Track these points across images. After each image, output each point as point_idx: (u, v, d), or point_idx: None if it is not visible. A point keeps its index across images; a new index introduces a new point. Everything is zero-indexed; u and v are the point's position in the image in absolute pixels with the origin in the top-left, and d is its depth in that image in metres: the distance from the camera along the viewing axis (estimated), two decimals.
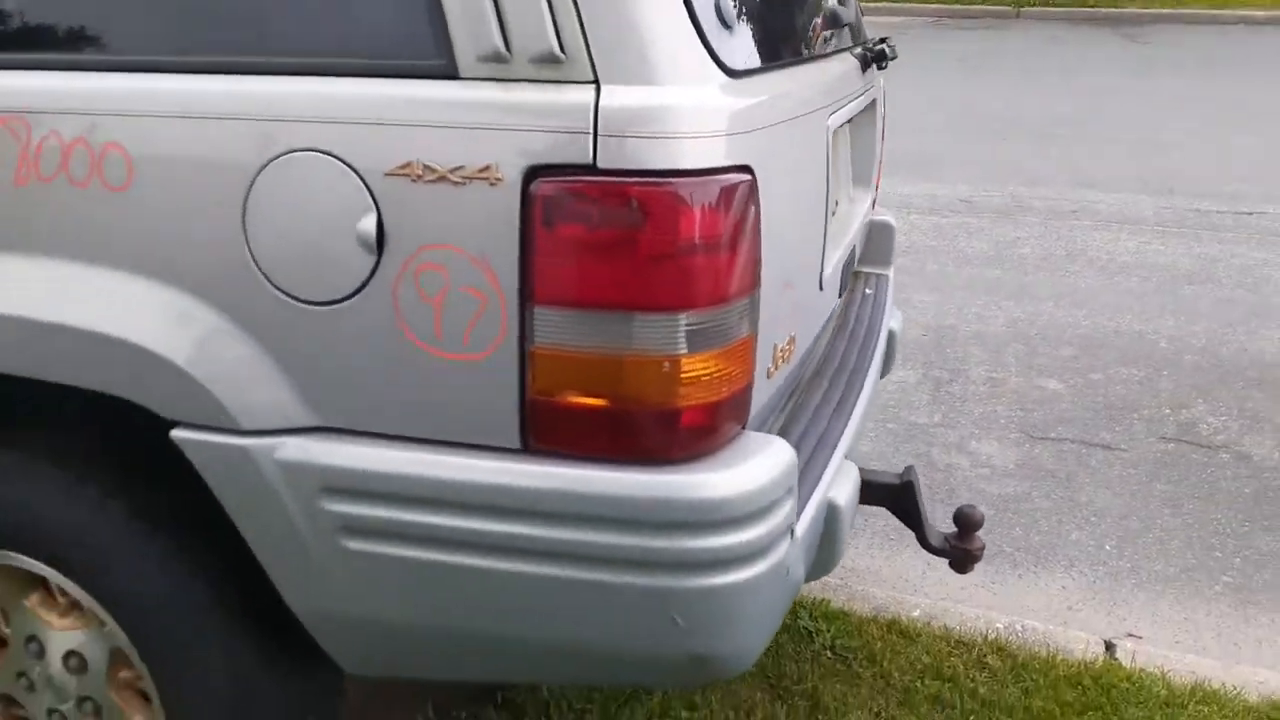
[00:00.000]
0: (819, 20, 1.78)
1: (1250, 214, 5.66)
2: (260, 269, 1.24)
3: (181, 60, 1.27)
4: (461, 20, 1.16)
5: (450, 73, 1.17)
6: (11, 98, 1.32)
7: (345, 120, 1.19)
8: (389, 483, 1.25)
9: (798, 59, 1.59)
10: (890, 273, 2.40)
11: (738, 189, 1.17)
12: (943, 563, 1.82)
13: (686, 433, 1.20)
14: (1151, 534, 2.81)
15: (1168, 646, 2.35)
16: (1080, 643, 2.31)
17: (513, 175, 1.14)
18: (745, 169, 1.19)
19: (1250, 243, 5.21)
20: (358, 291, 1.21)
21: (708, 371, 1.18)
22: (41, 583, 1.55)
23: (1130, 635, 2.39)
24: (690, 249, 1.13)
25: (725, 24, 1.26)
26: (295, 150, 1.20)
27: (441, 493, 1.24)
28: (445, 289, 1.18)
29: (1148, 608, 2.52)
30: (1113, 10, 13.05)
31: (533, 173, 1.13)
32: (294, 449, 1.27)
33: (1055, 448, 3.27)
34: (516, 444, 1.22)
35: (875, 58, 2.09)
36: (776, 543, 1.25)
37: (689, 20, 1.18)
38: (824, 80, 1.65)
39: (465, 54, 1.16)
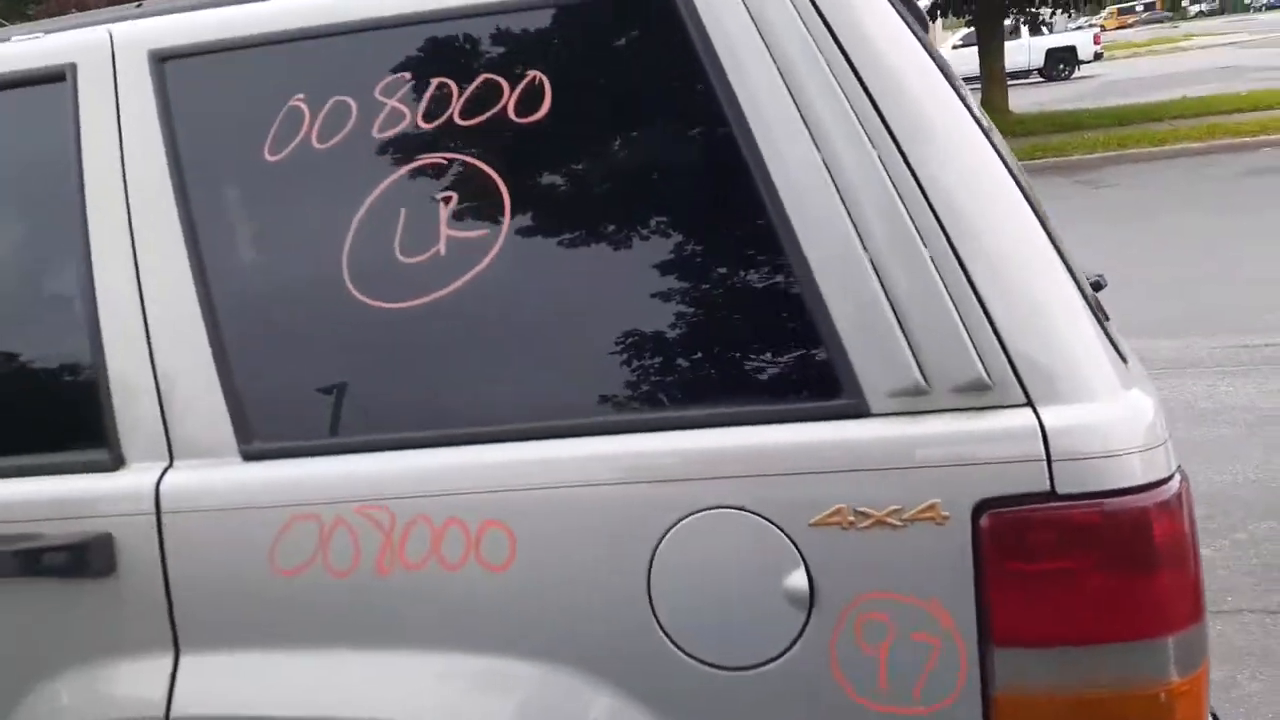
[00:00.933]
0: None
1: None
2: (669, 636, 1.15)
3: (578, 424, 1.21)
4: (867, 357, 1.11)
5: (861, 411, 1.12)
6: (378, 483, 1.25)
7: (758, 473, 1.13)
8: None
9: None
10: None
11: (1184, 491, 1.11)
12: None
13: None
14: None
15: None
16: None
17: (961, 511, 1.07)
18: (1179, 469, 1.13)
19: None
20: (786, 652, 1.12)
21: (1196, 693, 1.09)
22: None
23: None
24: (1174, 562, 1.06)
25: (1106, 331, 1.23)
26: (704, 509, 1.13)
27: None
28: (889, 639, 1.09)
29: None
30: (1062, 159, 13.68)
31: (982, 506, 1.07)
32: None
33: (1236, 621, 3.15)
34: None
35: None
36: None
37: (1095, 330, 1.15)
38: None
39: (875, 390, 1.11)
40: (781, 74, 1.16)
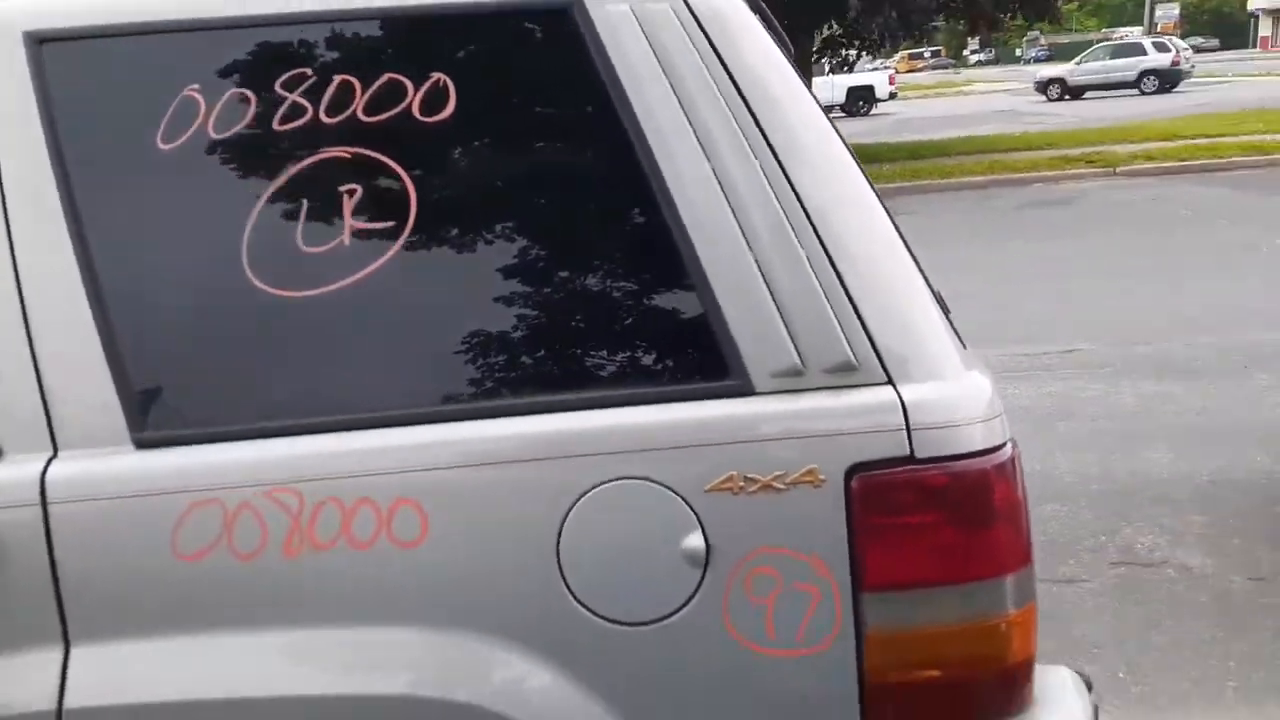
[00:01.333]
0: None
1: (1069, 351, 6.39)
2: (578, 599, 1.24)
3: (491, 406, 1.29)
4: (752, 344, 1.25)
5: (747, 390, 1.26)
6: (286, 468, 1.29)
7: (659, 446, 1.24)
8: None
9: None
10: None
11: (1016, 456, 1.30)
12: None
13: (1019, 686, 1.28)
14: (1150, 656, 3.04)
15: None
16: None
17: (835, 474, 1.22)
18: (1011, 439, 1.32)
19: (1084, 378, 5.86)
20: (683, 606, 1.24)
21: (1027, 623, 1.28)
22: None
23: None
24: (1008, 515, 1.25)
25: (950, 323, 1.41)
26: (611, 481, 1.24)
27: None
28: (777, 589, 1.23)
29: None
30: None
31: (853, 469, 1.22)
32: None
33: None
34: None
35: None
36: None
37: (942, 322, 1.33)
38: None
39: (759, 372, 1.25)
40: (675, 92, 1.29)
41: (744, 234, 1.26)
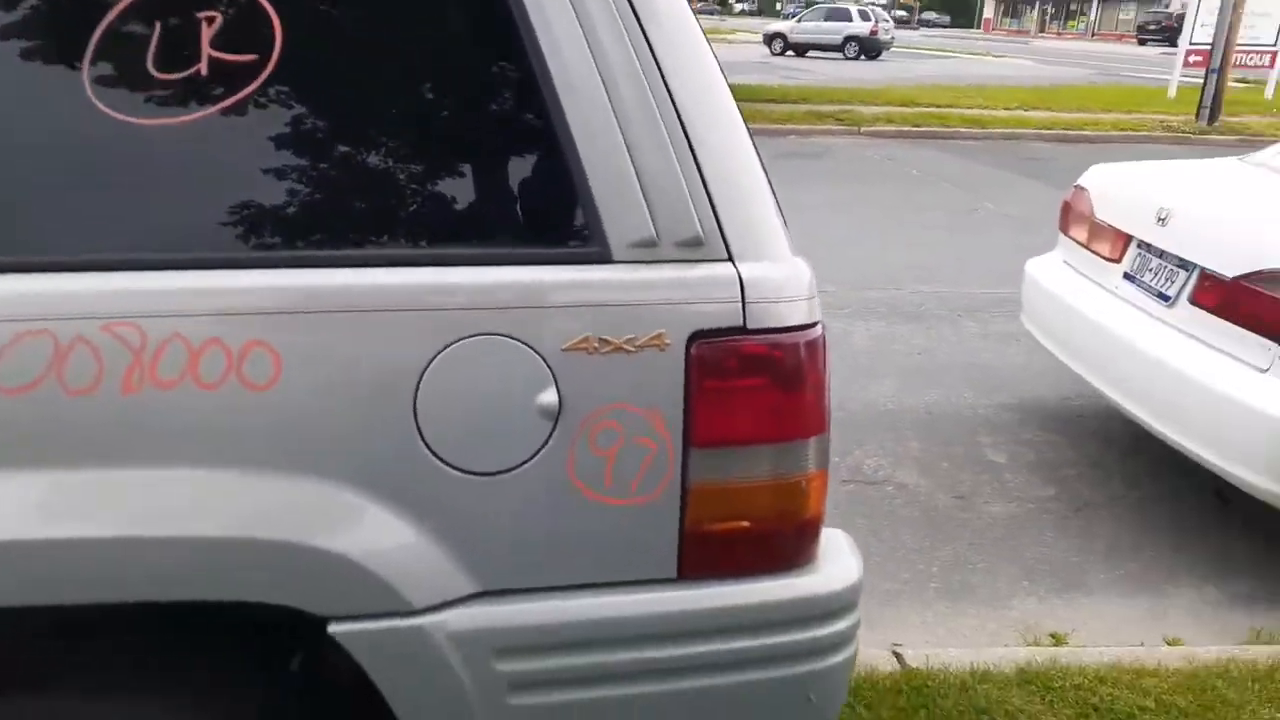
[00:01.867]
0: None
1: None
2: (432, 450, 1.29)
3: (351, 255, 1.29)
4: (613, 215, 1.34)
5: (606, 258, 1.34)
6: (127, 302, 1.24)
7: (521, 305, 1.30)
8: (559, 633, 1.35)
9: None
10: None
11: (824, 335, 1.47)
12: None
13: (811, 539, 1.46)
14: (870, 560, 3.42)
15: (927, 647, 2.94)
16: (877, 659, 2.81)
17: (679, 340, 1.34)
18: (821, 321, 1.49)
19: (826, 317, 6.34)
20: (532, 457, 1.32)
21: (822, 485, 1.46)
22: None
23: (894, 645, 2.94)
24: (815, 386, 1.41)
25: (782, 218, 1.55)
26: (474, 335, 1.29)
27: (608, 631, 1.37)
28: (619, 443, 1.34)
29: (896, 620, 3.11)
30: None
31: (694, 336, 1.34)
32: (465, 619, 1.32)
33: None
34: (673, 574, 1.39)
35: None
36: (858, 622, 1.54)
37: (777, 213, 1.47)
38: None
39: (618, 242, 1.34)
40: None
41: (614, 109, 1.33)
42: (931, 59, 30.23)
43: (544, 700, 1.36)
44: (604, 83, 1.33)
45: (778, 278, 1.38)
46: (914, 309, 6.30)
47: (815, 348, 1.41)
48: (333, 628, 1.29)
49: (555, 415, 1.31)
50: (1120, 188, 4.10)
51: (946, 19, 74.65)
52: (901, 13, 67.13)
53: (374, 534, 1.28)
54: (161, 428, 1.25)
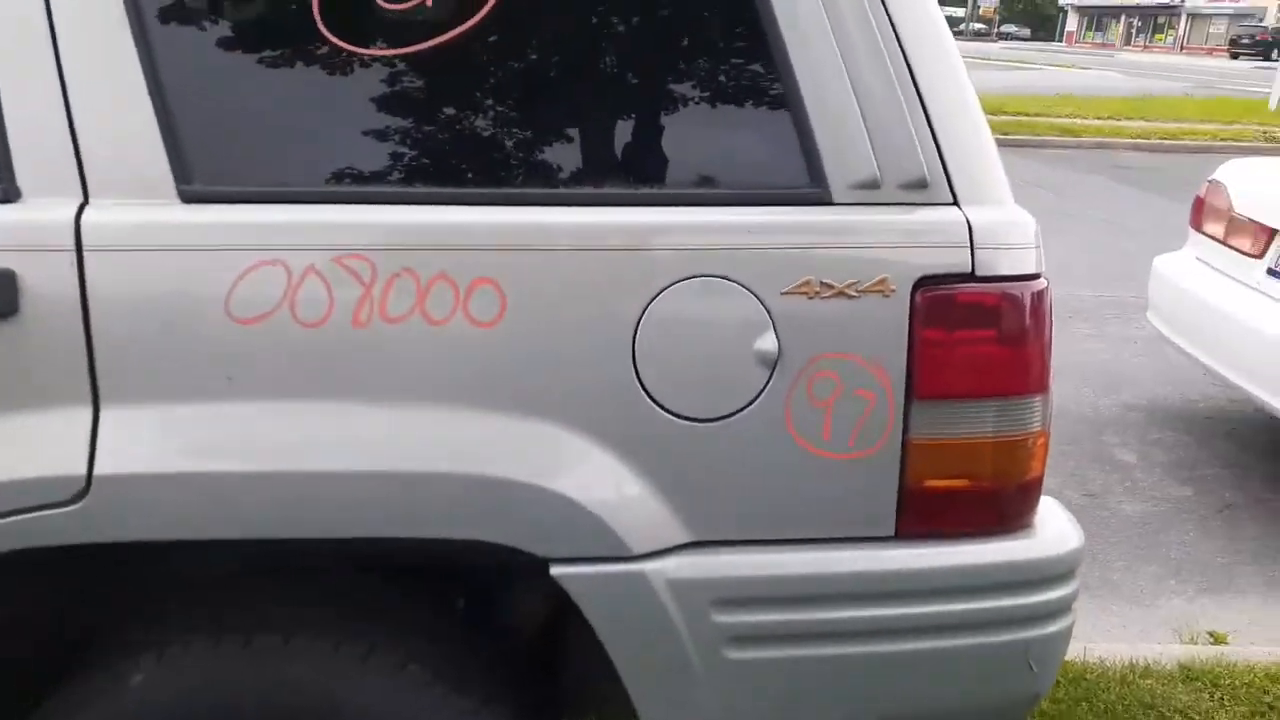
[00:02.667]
0: None
1: None
2: (649, 394, 1.26)
3: (576, 194, 1.27)
4: (836, 156, 1.29)
5: (827, 200, 1.30)
6: (360, 235, 1.24)
7: (740, 247, 1.27)
8: (775, 586, 1.31)
9: None
10: None
11: (1049, 287, 1.40)
12: None
13: (1032, 501, 1.39)
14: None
15: (1075, 641, 2.81)
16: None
17: (903, 286, 1.28)
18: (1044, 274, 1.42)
19: None
20: (749, 405, 1.28)
21: (1044, 445, 1.39)
22: None
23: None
24: (1041, 339, 1.34)
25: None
26: (692, 277, 1.25)
27: (824, 588, 1.32)
28: (837, 394, 1.29)
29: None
30: None
31: (919, 283, 1.29)
32: (684, 567, 1.29)
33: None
34: (891, 532, 1.33)
35: None
36: (1077, 590, 1.46)
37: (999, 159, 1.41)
38: None
39: (838, 184, 1.29)
40: None
41: (839, 47, 1.29)
42: (1015, 70, 29.72)
43: (759, 656, 1.31)
44: (829, 19, 1.29)
45: (1006, 223, 1.33)
46: None
47: (1042, 299, 1.35)
48: (554, 570, 1.26)
49: (773, 362, 1.27)
50: (1262, 183, 3.94)
51: (1026, 32, 73.48)
52: (981, 25, 66.28)
53: (593, 476, 1.26)
54: (390, 363, 1.24)
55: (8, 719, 1.42)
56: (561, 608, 1.36)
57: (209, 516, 1.22)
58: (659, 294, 1.25)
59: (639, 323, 1.25)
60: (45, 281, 1.20)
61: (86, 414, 1.21)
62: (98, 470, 1.20)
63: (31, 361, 1.20)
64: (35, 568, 1.27)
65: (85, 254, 1.20)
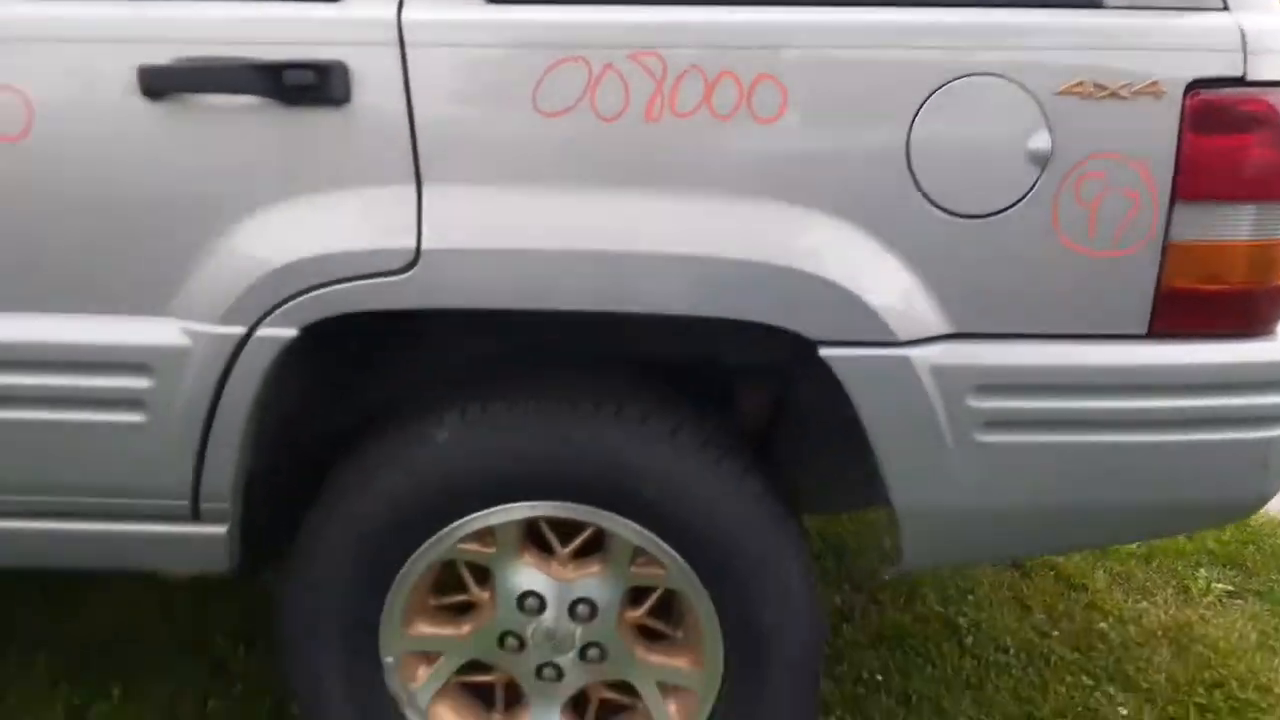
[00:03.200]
0: None
1: None
2: (921, 188, 1.33)
3: None
4: None
5: (1098, 2, 1.33)
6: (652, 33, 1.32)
7: (1019, 46, 1.31)
8: (1032, 375, 1.39)
9: None
10: None
11: None
12: None
13: (1278, 309, 1.43)
14: None
15: None
16: None
17: (1175, 88, 1.31)
18: None
19: None
20: (1017, 202, 1.34)
21: None
22: (532, 539, 1.53)
23: None
24: None
25: None
26: (970, 75, 1.31)
27: (1078, 378, 1.40)
28: (1103, 194, 1.34)
29: None
30: None
31: (1190, 86, 1.32)
32: (947, 354, 1.38)
33: None
34: (1144, 330, 1.39)
35: None
36: None
37: None
38: None
39: None
40: None
41: None
42: None
43: (1010, 439, 1.40)
44: None
45: (1278, 29, 1.34)
46: None
47: None
48: (824, 351, 1.36)
49: (1045, 160, 1.32)
50: None
51: None
52: None
53: (866, 267, 1.34)
54: (679, 155, 1.33)
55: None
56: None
57: (519, 290, 1.36)
58: (935, 91, 1.31)
59: (914, 119, 1.32)
60: (374, 72, 1.32)
61: (411, 193, 1.34)
62: (425, 245, 1.34)
63: (363, 144, 1.33)
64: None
65: (406, 49, 1.31)
